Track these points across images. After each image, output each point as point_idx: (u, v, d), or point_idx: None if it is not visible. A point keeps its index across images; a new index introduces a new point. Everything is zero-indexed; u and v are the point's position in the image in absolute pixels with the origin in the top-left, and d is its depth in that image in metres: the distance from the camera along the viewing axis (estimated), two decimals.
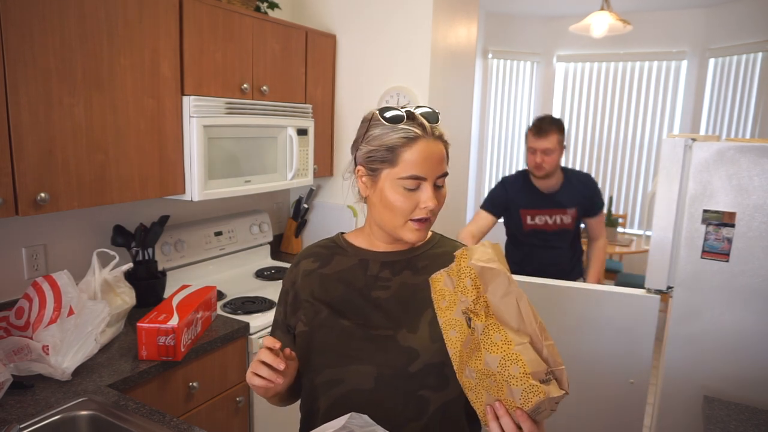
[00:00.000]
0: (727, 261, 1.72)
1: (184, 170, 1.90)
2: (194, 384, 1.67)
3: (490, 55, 5.39)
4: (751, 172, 1.66)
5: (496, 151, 5.66)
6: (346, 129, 2.69)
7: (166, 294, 1.99)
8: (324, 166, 2.67)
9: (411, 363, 0.96)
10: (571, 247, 2.56)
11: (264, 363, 0.90)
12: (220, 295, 2.13)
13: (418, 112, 0.99)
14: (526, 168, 2.48)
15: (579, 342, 2.08)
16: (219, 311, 1.97)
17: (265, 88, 2.19)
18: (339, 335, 0.99)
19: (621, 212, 5.30)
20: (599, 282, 2.57)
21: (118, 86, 1.65)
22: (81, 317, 1.46)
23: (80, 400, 1.31)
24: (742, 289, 1.71)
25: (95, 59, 1.57)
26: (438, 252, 1.08)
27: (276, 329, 1.12)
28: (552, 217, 2.45)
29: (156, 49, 1.75)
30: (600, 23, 3.48)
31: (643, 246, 4.28)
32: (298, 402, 1.12)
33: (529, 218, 2.47)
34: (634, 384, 1.99)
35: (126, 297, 1.74)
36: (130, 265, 1.79)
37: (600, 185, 5.33)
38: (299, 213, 2.79)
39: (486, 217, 2.45)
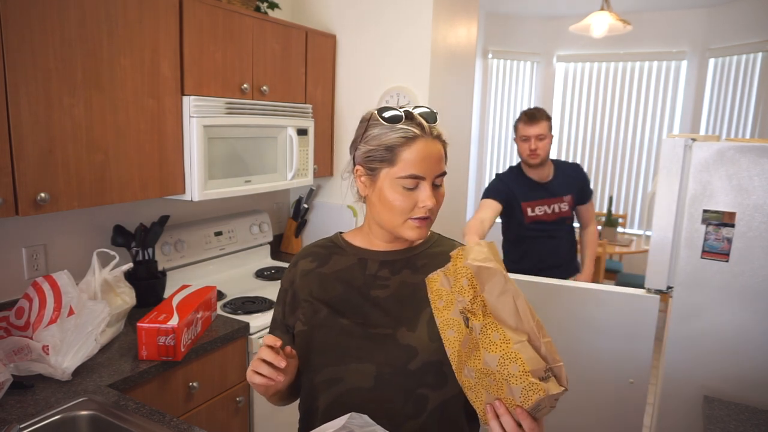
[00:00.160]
0: (727, 261, 1.72)
1: (184, 170, 1.90)
2: (194, 384, 1.67)
3: (490, 55, 5.39)
4: (751, 172, 1.66)
5: (496, 151, 5.66)
6: (346, 129, 2.69)
7: (166, 294, 1.99)
8: (324, 166, 2.67)
9: (410, 361, 0.96)
10: (568, 237, 2.63)
11: (264, 361, 0.91)
12: (220, 295, 2.13)
13: (416, 112, 0.99)
14: (518, 162, 2.57)
15: (579, 342, 2.08)
16: (219, 311, 1.97)
17: (265, 88, 2.19)
18: (338, 334, 0.99)
19: (621, 212, 5.30)
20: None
21: (118, 86, 1.65)
22: (81, 317, 1.46)
23: (80, 400, 1.31)
24: (742, 289, 1.71)
25: (95, 59, 1.57)
26: (436, 251, 1.08)
27: (275, 328, 1.12)
28: (551, 207, 2.51)
29: (156, 49, 1.75)
30: (600, 23, 3.48)
31: (643, 246, 4.28)
32: (298, 402, 1.12)
33: (530, 210, 2.50)
34: (634, 384, 1.99)
35: (126, 297, 1.74)
36: (130, 265, 1.79)
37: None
38: (299, 213, 2.79)
39: (492, 204, 2.42)
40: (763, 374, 1.70)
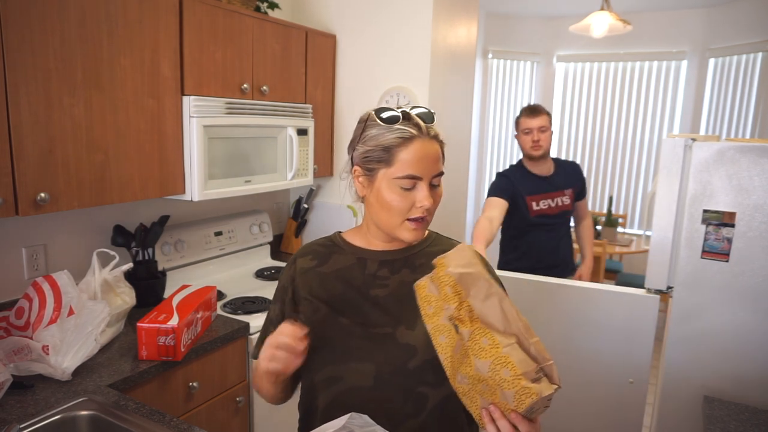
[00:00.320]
0: (727, 261, 1.72)
1: (184, 170, 1.90)
2: (194, 384, 1.67)
3: (490, 55, 5.39)
4: (751, 172, 1.66)
5: (496, 151, 5.66)
6: (346, 129, 2.69)
7: (166, 294, 1.99)
8: (324, 166, 2.67)
9: (410, 360, 0.96)
10: (567, 234, 2.71)
11: (278, 348, 0.91)
12: (220, 295, 2.13)
13: (414, 112, 0.99)
14: (519, 160, 2.65)
15: (579, 341, 2.08)
16: (219, 311, 1.97)
17: (265, 88, 2.19)
18: (338, 333, 1.00)
19: (621, 212, 5.30)
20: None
21: (118, 86, 1.65)
22: (81, 317, 1.46)
23: (80, 400, 1.31)
24: (742, 289, 1.71)
25: (95, 59, 1.57)
26: (434, 250, 1.08)
27: (270, 326, 1.10)
28: (554, 200, 2.58)
29: (156, 49, 1.75)
30: (600, 23, 3.48)
31: (643, 246, 4.28)
32: (297, 401, 1.12)
33: (534, 204, 2.55)
34: (634, 384, 1.99)
35: (126, 297, 1.74)
36: (130, 265, 1.79)
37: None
38: (299, 213, 2.79)
39: (499, 202, 2.44)
40: (763, 374, 1.70)
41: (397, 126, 0.97)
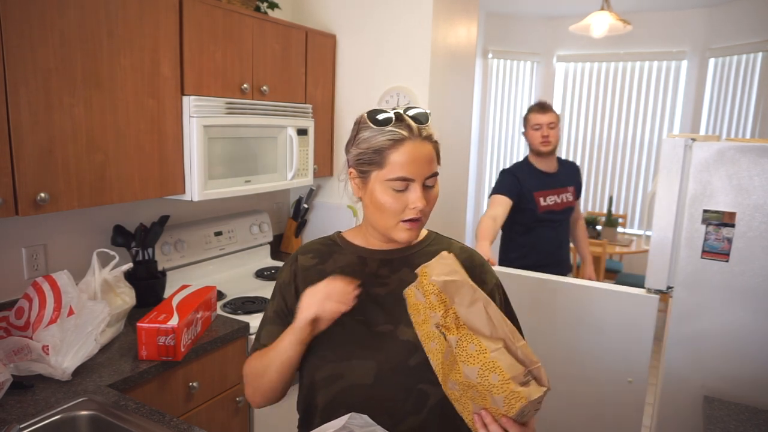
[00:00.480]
0: (727, 261, 1.72)
1: (184, 170, 1.90)
2: (194, 384, 1.67)
3: (490, 55, 5.39)
4: (751, 172, 1.66)
5: (496, 151, 5.66)
6: (346, 129, 2.68)
7: (166, 294, 1.99)
8: (324, 166, 2.67)
9: (410, 357, 0.97)
10: (567, 231, 2.75)
11: (329, 296, 0.93)
12: (220, 295, 2.13)
13: (409, 113, 0.99)
14: (525, 156, 2.68)
15: (578, 339, 2.08)
16: (219, 311, 1.97)
17: (265, 88, 2.19)
18: (340, 331, 1.00)
19: (621, 212, 5.30)
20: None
21: (118, 86, 1.65)
22: (81, 317, 1.46)
23: (80, 400, 1.31)
24: (742, 289, 1.71)
25: (95, 59, 1.57)
26: (433, 249, 1.09)
27: (268, 324, 1.09)
28: (560, 196, 2.62)
29: (156, 49, 1.75)
30: (600, 23, 3.48)
31: (643, 246, 4.28)
32: (297, 401, 1.11)
33: (542, 200, 2.57)
34: (633, 383, 1.99)
35: (126, 297, 1.74)
36: (130, 265, 1.79)
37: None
38: (299, 213, 2.79)
39: (504, 201, 2.46)
40: (763, 374, 1.70)
41: (388, 128, 0.97)
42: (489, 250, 2.11)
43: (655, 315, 1.93)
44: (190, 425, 1.22)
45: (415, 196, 0.97)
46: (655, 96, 5.06)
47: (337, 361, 0.99)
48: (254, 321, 1.90)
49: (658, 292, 1.91)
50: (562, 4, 4.84)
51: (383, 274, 1.05)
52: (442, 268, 0.86)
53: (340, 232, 1.15)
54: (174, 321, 1.55)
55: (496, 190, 2.53)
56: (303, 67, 2.42)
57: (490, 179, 5.64)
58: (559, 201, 2.61)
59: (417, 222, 1.00)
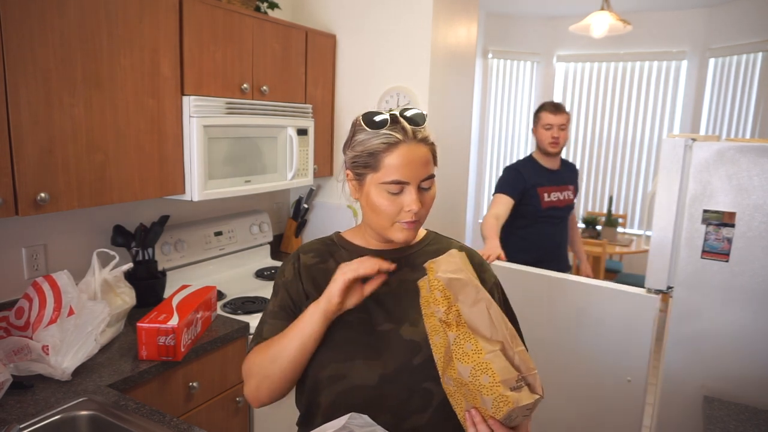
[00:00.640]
0: (727, 261, 1.72)
1: (184, 170, 1.90)
2: (194, 384, 1.67)
3: (490, 55, 5.39)
4: (751, 172, 1.66)
5: (496, 151, 5.66)
6: (346, 129, 2.67)
7: (166, 294, 1.99)
8: (324, 166, 2.67)
9: (414, 356, 0.97)
10: (567, 228, 2.78)
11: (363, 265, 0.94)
12: (220, 295, 2.13)
13: (406, 114, 0.99)
14: (529, 154, 2.71)
15: (578, 336, 2.08)
16: (219, 311, 1.97)
17: (265, 88, 2.19)
18: (344, 331, 1.00)
19: (621, 212, 5.30)
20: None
21: (118, 86, 1.65)
22: (81, 317, 1.46)
23: (80, 400, 1.31)
24: (742, 289, 1.71)
25: (95, 59, 1.57)
26: (432, 249, 1.09)
27: (271, 318, 1.07)
28: (562, 193, 2.65)
29: (156, 49, 1.75)
30: (600, 23, 3.48)
31: (643, 246, 4.28)
32: (298, 402, 1.11)
33: (546, 195, 2.60)
34: (632, 382, 1.99)
35: (126, 297, 1.74)
36: (130, 265, 1.79)
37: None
38: (299, 213, 2.79)
39: (507, 201, 2.50)
40: (763, 374, 1.70)
41: (383, 131, 0.96)
42: (499, 246, 2.14)
43: (655, 315, 1.93)
44: (190, 425, 1.22)
45: (410, 198, 0.97)
46: (655, 96, 5.06)
47: (341, 361, 0.99)
48: (254, 321, 1.90)
49: (658, 292, 1.91)
50: (562, 4, 4.84)
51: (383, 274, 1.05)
52: (448, 266, 0.86)
53: (339, 232, 1.15)
54: (174, 321, 1.55)
55: (499, 188, 2.56)
56: (303, 67, 2.42)
57: (490, 179, 5.64)
58: (561, 198, 2.64)
59: (414, 223, 1.00)
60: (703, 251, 1.75)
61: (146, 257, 1.96)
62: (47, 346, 1.39)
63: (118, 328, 1.71)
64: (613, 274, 4.63)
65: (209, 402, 1.75)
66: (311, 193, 2.79)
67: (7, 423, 1.20)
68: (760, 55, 4.27)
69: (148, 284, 1.93)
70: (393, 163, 0.95)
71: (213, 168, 1.96)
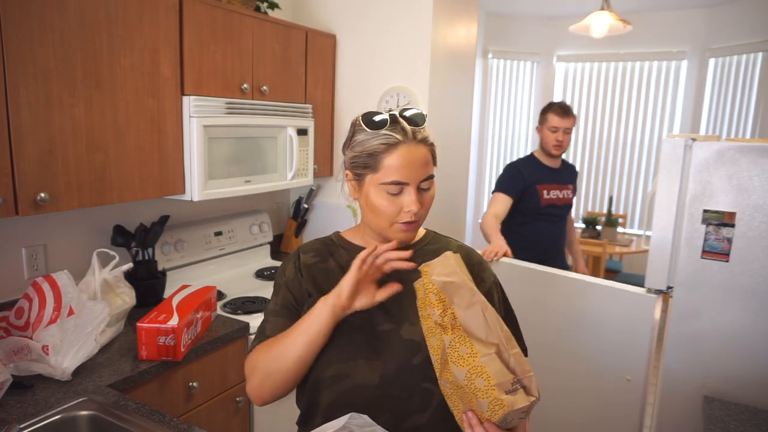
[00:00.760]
0: (727, 261, 1.72)
1: (184, 170, 1.90)
2: (194, 384, 1.67)
3: (490, 55, 5.39)
4: (751, 172, 1.66)
5: (496, 151, 5.66)
6: (346, 129, 2.65)
7: (166, 294, 1.99)
8: (324, 166, 2.67)
9: (414, 356, 0.97)
10: (565, 227, 2.79)
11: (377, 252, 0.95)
12: (220, 295, 2.13)
13: (405, 114, 0.99)
14: (531, 153, 2.73)
15: (577, 335, 2.08)
16: (219, 311, 1.97)
17: (265, 88, 2.19)
18: (346, 330, 1.00)
19: (621, 212, 5.30)
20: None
21: (118, 86, 1.65)
22: (81, 317, 1.46)
23: (80, 400, 1.31)
24: (742, 289, 1.71)
25: (95, 59, 1.57)
26: (432, 248, 1.09)
27: (273, 316, 1.06)
28: (561, 192, 2.67)
29: (156, 49, 1.75)
30: (600, 23, 3.48)
31: (643, 246, 4.28)
32: (298, 402, 1.11)
33: (545, 192, 2.61)
34: (631, 382, 1.99)
35: (126, 297, 1.74)
36: (130, 265, 1.79)
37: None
38: (299, 213, 2.79)
39: (506, 200, 2.52)
40: (763, 374, 1.70)
41: (383, 131, 0.96)
42: (505, 243, 2.16)
43: (655, 315, 1.93)
44: (190, 425, 1.22)
45: (409, 199, 0.97)
46: (655, 96, 5.06)
47: (344, 361, 0.99)
48: (254, 321, 1.90)
49: (658, 292, 1.91)
50: (562, 4, 4.84)
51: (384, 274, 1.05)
52: (442, 268, 0.87)
53: (338, 232, 1.15)
54: (174, 321, 1.55)
55: (499, 186, 2.57)
56: (303, 67, 2.42)
57: (490, 179, 5.64)
58: (561, 196, 2.66)
59: (413, 223, 1.00)
60: (703, 251, 1.75)
61: (146, 257, 1.97)
62: (47, 346, 1.39)
63: (118, 328, 1.71)
64: (613, 274, 4.63)
65: (209, 402, 1.75)
66: (311, 193, 2.79)
67: (7, 423, 1.20)
68: (760, 55, 4.27)
69: (148, 284, 1.93)
70: (392, 164, 0.95)
71: (213, 168, 1.96)
